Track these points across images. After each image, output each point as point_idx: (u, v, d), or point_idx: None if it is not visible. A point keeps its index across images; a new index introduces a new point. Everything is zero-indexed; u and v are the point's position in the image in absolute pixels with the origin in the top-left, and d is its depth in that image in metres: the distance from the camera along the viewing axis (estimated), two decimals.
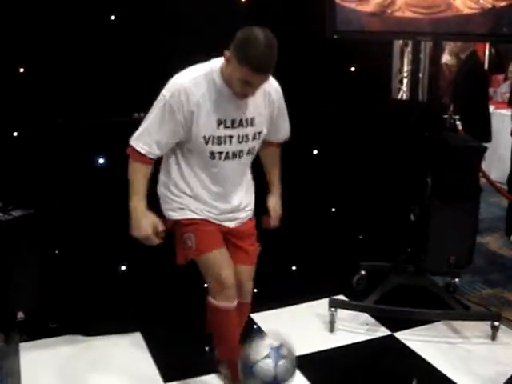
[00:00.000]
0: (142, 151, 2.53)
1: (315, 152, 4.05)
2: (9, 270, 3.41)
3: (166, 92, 2.50)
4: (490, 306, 3.98)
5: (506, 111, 6.92)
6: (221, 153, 2.57)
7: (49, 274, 3.50)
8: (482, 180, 4.56)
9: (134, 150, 2.55)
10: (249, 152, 2.66)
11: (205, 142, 2.53)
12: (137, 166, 2.57)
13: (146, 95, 3.53)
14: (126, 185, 3.42)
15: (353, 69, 4.27)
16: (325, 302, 3.73)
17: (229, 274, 2.70)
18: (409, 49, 4.41)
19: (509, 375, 2.94)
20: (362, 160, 4.18)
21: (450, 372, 3.20)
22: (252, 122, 2.60)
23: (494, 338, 3.52)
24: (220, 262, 2.70)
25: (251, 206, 2.86)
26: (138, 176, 2.57)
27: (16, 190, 3.48)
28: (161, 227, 2.60)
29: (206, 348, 3.40)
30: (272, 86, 2.66)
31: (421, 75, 4.22)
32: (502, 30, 3.25)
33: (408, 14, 3.40)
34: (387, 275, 3.84)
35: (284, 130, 2.87)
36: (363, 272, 4.14)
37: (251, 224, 2.87)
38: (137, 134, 2.56)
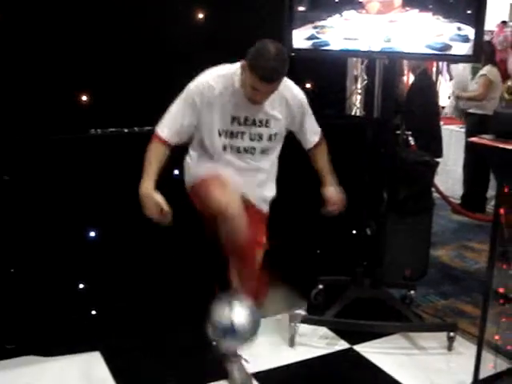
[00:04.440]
0: (161, 133, 2.81)
1: None
2: None
3: (192, 84, 2.80)
4: (445, 317, 4.06)
5: (453, 127, 7.14)
6: (232, 146, 2.84)
7: (4, 294, 3.41)
8: (434, 194, 4.69)
9: (155, 133, 2.82)
10: (263, 152, 2.87)
11: (218, 134, 2.81)
12: (152, 146, 2.81)
13: (103, 111, 3.57)
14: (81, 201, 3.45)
15: (308, 85, 4.32)
16: (284, 316, 3.75)
17: (235, 200, 2.77)
18: (362, 66, 4.51)
19: None
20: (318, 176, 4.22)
21: (410, 382, 3.25)
22: (267, 123, 2.86)
23: (450, 348, 3.59)
24: (225, 190, 2.77)
25: (265, 206, 3.08)
26: (151, 156, 2.79)
27: None
28: (165, 207, 2.71)
29: (167, 366, 3.39)
30: (290, 91, 2.92)
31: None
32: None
33: None
34: (345, 289, 3.89)
35: (314, 132, 3.15)
36: (321, 286, 4.17)
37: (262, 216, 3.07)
38: (161, 121, 2.83)
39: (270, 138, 2.89)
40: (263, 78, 2.62)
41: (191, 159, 3.01)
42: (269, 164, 3.01)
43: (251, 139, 2.85)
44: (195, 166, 2.98)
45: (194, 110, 2.79)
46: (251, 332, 2.85)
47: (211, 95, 2.76)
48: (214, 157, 2.90)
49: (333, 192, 3.21)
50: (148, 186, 2.74)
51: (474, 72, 7.74)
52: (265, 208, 3.10)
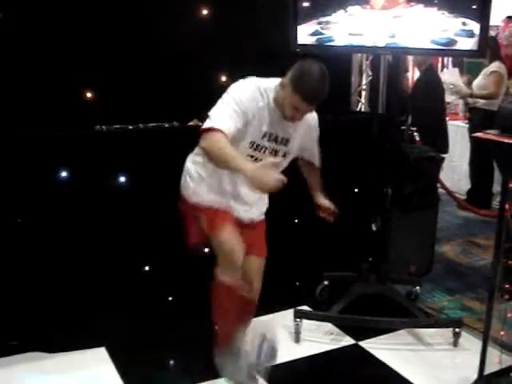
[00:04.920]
0: (220, 126, 2.58)
1: None
2: None
3: (244, 92, 2.72)
4: (450, 313, 4.06)
5: (459, 122, 7.11)
6: (252, 156, 2.82)
7: (6, 290, 3.42)
8: (440, 190, 4.68)
9: (209, 128, 2.59)
10: (273, 165, 2.72)
11: (250, 145, 2.80)
12: (216, 136, 2.57)
13: (108, 108, 3.57)
14: (87, 199, 3.45)
15: None
16: (289, 312, 3.75)
17: (238, 253, 2.82)
18: (367, 62, 4.50)
19: (471, 380, 2.99)
20: (323, 172, 4.22)
21: (415, 378, 3.25)
22: (286, 142, 2.89)
23: (455, 344, 3.59)
24: (231, 241, 2.81)
25: (262, 214, 3.10)
26: (223, 144, 2.56)
27: None
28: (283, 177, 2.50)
29: (171, 362, 3.41)
30: (312, 116, 2.96)
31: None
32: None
33: None
34: (350, 285, 3.89)
35: (314, 154, 3.20)
36: (326, 282, 4.17)
37: (262, 226, 3.10)
38: (209, 120, 2.63)
39: (284, 155, 2.91)
40: (308, 99, 2.65)
41: (194, 169, 2.92)
42: None
43: (270, 153, 2.86)
44: (197, 181, 2.90)
45: (243, 119, 2.70)
46: (270, 360, 2.92)
47: (257, 107, 2.74)
48: (217, 178, 2.87)
49: (324, 200, 3.26)
50: (246, 164, 2.53)
51: (469, 68, 7.74)
52: (262, 217, 3.14)
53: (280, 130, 2.83)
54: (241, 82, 2.80)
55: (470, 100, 6.37)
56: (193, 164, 2.95)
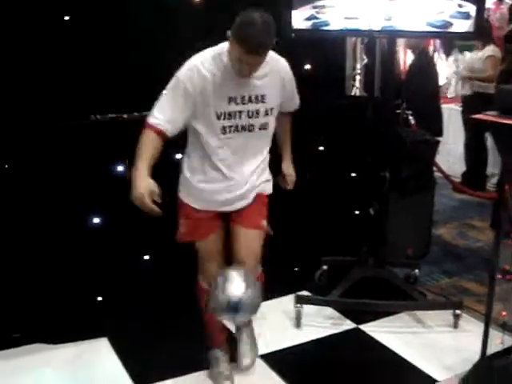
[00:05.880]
0: (154, 121, 2.65)
1: None
2: None
3: (180, 73, 2.65)
4: (449, 295, 4.08)
5: (453, 105, 7.12)
6: (231, 126, 2.71)
7: (8, 283, 3.41)
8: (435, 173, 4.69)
9: (147, 122, 2.67)
10: (261, 127, 2.78)
11: (217, 117, 2.68)
12: (146, 133, 2.65)
13: (103, 97, 3.54)
14: (85, 187, 3.44)
15: (307, 66, 4.30)
16: (289, 298, 3.77)
17: (216, 266, 2.91)
18: (362, 46, 4.48)
19: (473, 361, 3.01)
20: (320, 157, 4.22)
21: (417, 361, 3.28)
22: (263, 99, 2.73)
23: (456, 326, 3.61)
24: (210, 253, 2.93)
25: (261, 187, 2.95)
26: (145, 142, 2.64)
27: None
28: (157, 194, 2.55)
29: (174, 351, 3.42)
30: (280, 64, 2.81)
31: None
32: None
33: None
34: (349, 269, 3.90)
35: (294, 101, 3.04)
36: (325, 267, 4.18)
37: (257, 199, 2.95)
38: (152, 111, 2.68)
39: (266, 113, 2.78)
40: (251, 50, 2.48)
41: (188, 163, 2.87)
42: (267, 143, 2.91)
43: (249, 116, 2.73)
44: (190, 179, 2.85)
45: (186, 99, 2.64)
46: (253, 305, 2.74)
47: (203, 80, 2.62)
48: (211, 157, 2.76)
49: (290, 168, 3.17)
50: (141, 170, 2.57)
51: (462, 49, 7.75)
52: (266, 189, 3.00)
53: (246, 90, 2.68)
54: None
55: (474, 86, 6.31)
56: (184, 159, 2.90)
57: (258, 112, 2.74)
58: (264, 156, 2.91)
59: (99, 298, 3.60)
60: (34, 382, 3.13)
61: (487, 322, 2.90)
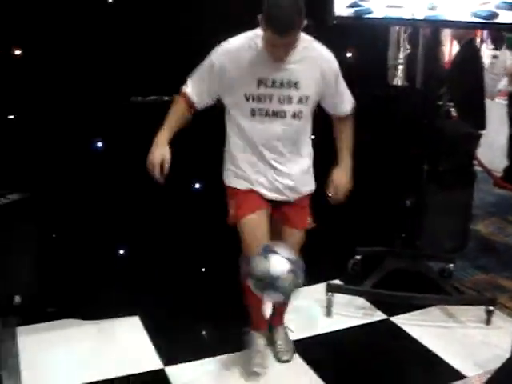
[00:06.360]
0: (186, 90, 2.77)
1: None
2: (6, 255, 3.39)
3: (212, 52, 2.73)
4: (483, 291, 4.02)
5: (497, 99, 6.97)
6: (261, 109, 2.70)
7: (46, 258, 3.49)
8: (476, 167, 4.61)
9: (181, 89, 2.80)
10: (294, 116, 2.73)
11: (246, 98, 2.69)
12: (177, 100, 2.80)
13: (144, 79, 3.57)
14: (122, 168, 3.49)
15: (349, 54, 4.27)
16: (321, 286, 3.76)
17: (259, 245, 2.71)
18: (405, 35, 4.42)
19: (504, 359, 2.96)
20: (358, 146, 4.18)
21: (446, 355, 3.24)
22: (296, 85, 2.69)
23: (488, 322, 3.56)
24: (254, 232, 2.80)
25: (302, 188, 2.93)
26: (174, 109, 2.79)
27: (12, 174, 3.46)
28: (167, 163, 2.68)
29: (204, 332, 3.47)
30: (318, 52, 2.75)
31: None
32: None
33: None
34: (382, 260, 3.88)
35: (347, 101, 2.97)
36: (358, 257, 4.17)
37: (301, 202, 2.95)
38: (187, 81, 2.79)
39: (300, 101, 2.72)
40: (278, 32, 2.46)
41: (228, 148, 2.88)
42: (305, 138, 2.87)
43: (280, 102, 2.69)
44: (229, 160, 2.89)
45: (213, 77, 2.70)
46: (293, 282, 2.59)
47: (233, 61, 2.65)
48: (245, 139, 2.78)
49: (341, 175, 2.99)
50: (162, 137, 2.72)
51: (510, 43, 7.54)
52: (307, 189, 2.97)
53: (278, 74, 2.65)
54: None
55: None
56: (228, 144, 2.90)
57: (290, 98, 2.70)
58: (303, 150, 2.88)
59: (133, 278, 3.65)
60: (64, 356, 3.19)
61: None
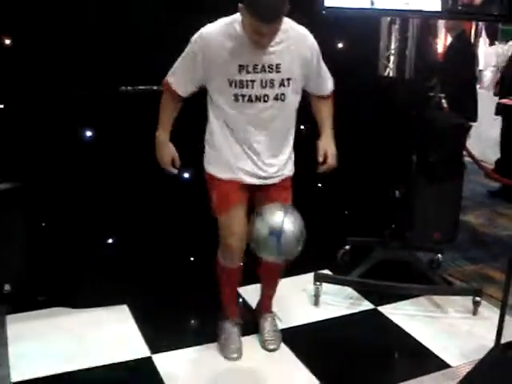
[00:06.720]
0: (168, 80, 2.81)
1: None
2: None
3: (193, 37, 2.71)
4: (472, 282, 4.05)
5: (486, 91, 6.98)
6: (243, 95, 2.68)
7: (36, 247, 3.50)
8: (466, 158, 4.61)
9: (164, 80, 2.83)
10: (277, 98, 2.72)
11: (229, 84, 2.67)
12: (164, 94, 2.84)
13: (132, 69, 3.57)
14: (111, 158, 3.49)
15: (340, 45, 4.27)
16: (309, 276, 3.77)
17: (235, 240, 2.87)
18: (396, 26, 4.41)
19: (489, 349, 2.99)
20: (348, 136, 4.19)
21: (433, 345, 3.27)
22: (277, 68, 2.67)
23: (475, 313, 3.59)
24: (231, 227, 2.87)
25: (285, 170, 2.92)
26: (163, 105, 2.86)
27: (3, 163, 3.46)
28: (178, 160, 2.87)
29: (192, 321, 3.52)
30: (298, 33, 2.72)
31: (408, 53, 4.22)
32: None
33: None
34: (371, 250, 3.90)
35: (324, 82, 2.96)
36: (348, 247, 4.18)
37: (284, 183, 2.95)
38: (169, 72, 2.82)
39: (282, 84, 2.70)
40: (262, 19, 2.43)
41: (211, 135, 2.86)
42: (289, 119, 2.85)
43: (263, 86, 2.67)
44: (211, 147, 2.88)
45: (195, 64, 2.69)
46: (295, 232, 2.61)
47: (212, 47, 2.63)
48: (228, 124, 2.77)
49: (327, 142, 2.98)
50: (163, 136, 2.84)
51: (504, 34, 7.53)
52: (290, 173, 2.97)
53: (259, 58, 2.63)
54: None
55: None
56: (209, 133, 2.89)
57: (272, 82, 2.68)
58: (287, 134, 2.87)
59: (122, 267, 3.67)
60: (53, 344, 3.20)
61: (503, 310, 2.87)
